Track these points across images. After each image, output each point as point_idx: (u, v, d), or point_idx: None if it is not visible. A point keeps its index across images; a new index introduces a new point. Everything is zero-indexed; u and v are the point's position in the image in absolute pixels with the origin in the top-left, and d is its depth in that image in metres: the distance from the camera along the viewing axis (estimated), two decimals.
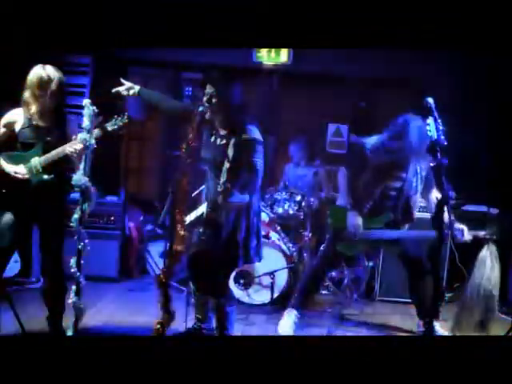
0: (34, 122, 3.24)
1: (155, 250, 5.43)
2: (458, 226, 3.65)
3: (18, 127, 3.27)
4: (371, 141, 3.77)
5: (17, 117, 3.28)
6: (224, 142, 3.24)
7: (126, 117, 3.35)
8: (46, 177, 3.23)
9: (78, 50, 5.45)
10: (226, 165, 3.13)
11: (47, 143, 3.24)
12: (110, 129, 3.30)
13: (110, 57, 5.87)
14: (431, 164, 2.62)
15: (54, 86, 3.18)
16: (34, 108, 3.22)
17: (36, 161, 3.22)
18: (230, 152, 3.16)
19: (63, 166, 3.26)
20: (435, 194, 3.82)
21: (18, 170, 3.22)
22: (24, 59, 4.01)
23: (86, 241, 2.93)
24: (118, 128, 3.32)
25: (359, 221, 3.75)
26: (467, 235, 3.64)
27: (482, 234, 3.65)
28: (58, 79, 3.21)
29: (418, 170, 3.77)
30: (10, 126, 3.29)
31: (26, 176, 3.22)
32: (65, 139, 3.21)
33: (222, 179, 3.06)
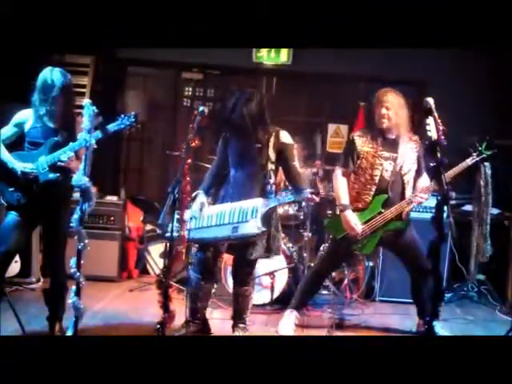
0: (41, 123, 3.27)
1: (155, 250, 5.44)
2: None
3: (27, 127, 3.31)
4: None
5: (27, 117, 3.32)
6: (259, 145, 3.43)
7: (133, 117, 3.25)
8: (51, 175, 3.23)
9: (78, 49, 5.45)
10: (271, 166, 3.45)
11: (54, 143, 3.26)
12: (114, 129, 3.24)
13: (110, 57, 5.88)
14: (431, 164, 2.63)
15: (56, 91, 3.20)
16: (41, 110, 3.24)
17: (43, 159, 3.23)
18: (272, 155, 3.44)
19: (69, 166, 3.26)
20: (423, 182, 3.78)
21: (26, 169, 3.23)
22: (24, 59, 4.03)
23: (86, 241, 2.93)
24: (124, 128, 3.27)
25: (354, 220, 3.69)
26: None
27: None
28: (62, 84, 3.21)
29: (410, 151, 3.74)
30: (20, 125, 3.33)
31: (33, 175, 3.23)
32: (73, 140, 3.21)
33: (271, 180, 3.42)
